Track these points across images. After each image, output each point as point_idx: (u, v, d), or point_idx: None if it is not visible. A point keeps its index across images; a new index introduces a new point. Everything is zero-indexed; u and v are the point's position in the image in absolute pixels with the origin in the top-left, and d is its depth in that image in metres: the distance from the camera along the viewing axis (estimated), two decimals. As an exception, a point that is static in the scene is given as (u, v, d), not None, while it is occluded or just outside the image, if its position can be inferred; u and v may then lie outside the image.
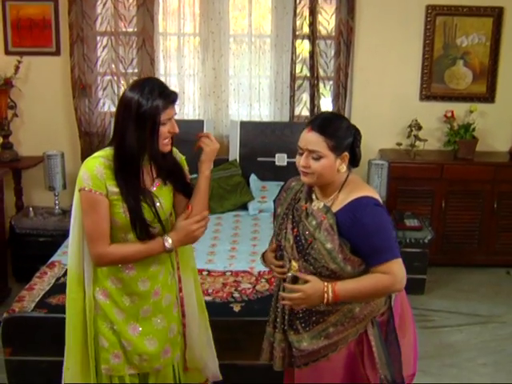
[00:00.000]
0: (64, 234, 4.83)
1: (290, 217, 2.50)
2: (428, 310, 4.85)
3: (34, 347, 3.50)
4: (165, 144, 2.45)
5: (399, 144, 5.64)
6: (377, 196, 2.42)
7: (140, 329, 2.62)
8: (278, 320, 2.58)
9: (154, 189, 2.53)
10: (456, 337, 4.51)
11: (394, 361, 2.45)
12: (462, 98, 5.65)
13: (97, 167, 2.41)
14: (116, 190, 2.42)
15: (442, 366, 4.13)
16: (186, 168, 2.67)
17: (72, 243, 2.56)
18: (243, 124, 5.51)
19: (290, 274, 2.48)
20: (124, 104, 2.40)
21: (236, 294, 3.66)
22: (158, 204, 2.51)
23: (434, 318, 4.76)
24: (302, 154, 2.39)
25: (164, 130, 2.41)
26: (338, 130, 2.36)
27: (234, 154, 5.49)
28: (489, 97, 5.66)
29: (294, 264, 2.45)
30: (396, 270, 2.31)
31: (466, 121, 5.53)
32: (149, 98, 2.35)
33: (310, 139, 2.35)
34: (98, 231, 2.43)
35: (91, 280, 2.56)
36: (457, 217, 5.50)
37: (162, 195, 2.55)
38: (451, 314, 4.83)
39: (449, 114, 5.54)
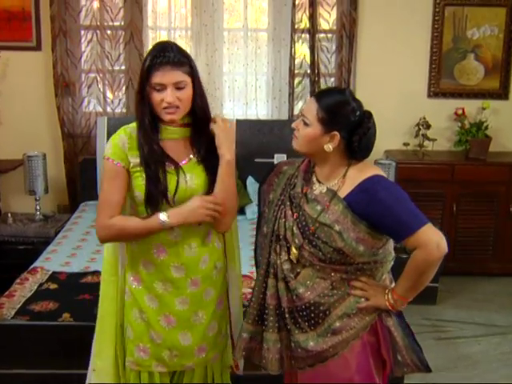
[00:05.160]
0: (46, 241, 4.66)
1: (288, 203, 2.42)
2: (441, 320, 4.60)
3: (15, 359, 3.24)
4: (165, 112, 2.32)
5: (406, 144, 5.40)
6: (385, 176, 2.39)
7: (175, 321, 2.46)
8: (268, 318, 2.40)
9: (184, 163, 2.40)
10: (474, 348, 4.27)
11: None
12: (474, 94, 5.45)
13: (121, 137, 2.38)
14: (138, 160, 2.35)
15: (463, 378, 3.88)
16: None
17: None
18: (239, 122, 5.05)
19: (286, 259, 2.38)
20: None
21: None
22: (182, 179, 2.37)
23: (448, 328, 4.51)
24: None
25: (157, 96, 2.29)
26: (334, 105, 2.30)
27: (230, 154, 5.16)
28: (502, 93, 5.48)
29: (294, 251, 2.35)
30: (425, 239, 2.19)
31: (478, 119, 5.33)
32: (147, 57, 2.30)
33: (307, 104, 2.38)
34: (107, 202, 2.36)
35: (123, 263, 2.52)
36: (469, 221, 5.25)
37: (193, 172, 2.41)
38: (466, 324, 4.59)
39: (459, 112, 5.35)
